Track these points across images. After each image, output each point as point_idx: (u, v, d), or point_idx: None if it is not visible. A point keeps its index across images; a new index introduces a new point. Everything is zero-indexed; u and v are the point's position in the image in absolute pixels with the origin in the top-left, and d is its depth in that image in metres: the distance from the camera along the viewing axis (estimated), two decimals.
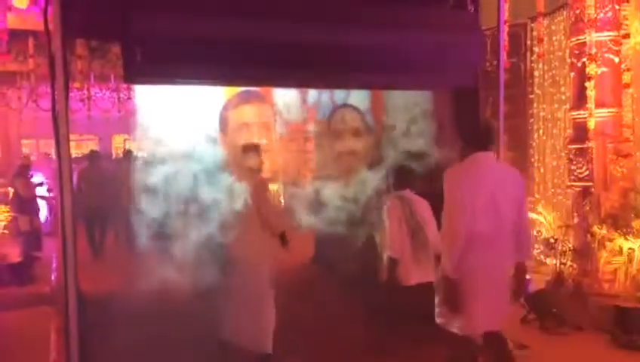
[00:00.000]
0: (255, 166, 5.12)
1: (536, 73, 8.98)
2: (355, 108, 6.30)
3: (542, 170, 8.87)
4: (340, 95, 6.28)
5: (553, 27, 8.38)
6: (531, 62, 9.06)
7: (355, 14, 4.29)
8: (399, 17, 4.39)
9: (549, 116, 8.63)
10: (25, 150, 18.01)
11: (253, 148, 5.34)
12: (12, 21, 7.94)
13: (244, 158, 5.34)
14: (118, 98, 13.55)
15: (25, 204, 8.87)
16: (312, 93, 6.11)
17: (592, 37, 6.16)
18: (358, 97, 6.28)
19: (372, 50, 4.31)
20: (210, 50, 3.80)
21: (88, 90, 12.71)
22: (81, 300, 3.87)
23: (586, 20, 6.17)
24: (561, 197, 8.16)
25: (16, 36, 9.05)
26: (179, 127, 5.58)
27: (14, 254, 8.29)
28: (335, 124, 6.29)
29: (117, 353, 4.57)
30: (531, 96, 9.09)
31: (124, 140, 18.56)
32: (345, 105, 6.31)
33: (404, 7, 4.38)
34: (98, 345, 4.39)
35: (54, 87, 3.71)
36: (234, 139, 5.95)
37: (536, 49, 8.38)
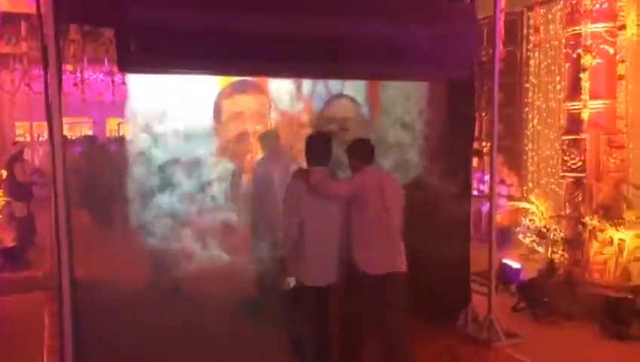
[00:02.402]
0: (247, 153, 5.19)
1: (532, 62, 8.97)
2: (350, 99, 6.31)
3: (535, 158, 8.90)
4: (335, 85, 6.28)
5: (550, 16, 8.37)
6: (527, 50, 9.05)
7: (352, 5, 4.29)
8: (396, 9, 4.38)
9: (544, 105, 8.65)
10: (19, 131, 17.92)
11: (245, 136, 5.45)
12: (4, 5, 7.87)
13: (237, 146, 5.44)
14: (112, 81, 13.47)
15: (20, 190, 8.85)
16: (307, 84, 6.10)
17: (588, 28, 6.16)
18: (354, 88, 6.28)
19: (368, 41, 4.32)
20: (202, 41, 3.80)
21: (82, 73, 12.61)
22: (76, 285, 3.91)
23: (582, 11, 6.16)
24: (554, 187, 8.21)
25: (9, 19, 8.97)
26: (173, 109, 5.61)
27: (8, 239, 8.31)
28: (330, 113, 6.29)
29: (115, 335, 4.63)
30: (527, 85, 9.10)
31: (119, 124, 18.48)
32: (340, 96, 6.31)
33: None
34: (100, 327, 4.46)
35: (47, 73, 3.71)
36: (227, 127, 5.96)
37: (532, 38, 8.38)
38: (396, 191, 4.15)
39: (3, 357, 4.92)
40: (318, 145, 4.09)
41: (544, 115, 8.72)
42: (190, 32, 3.80)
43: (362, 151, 4.16)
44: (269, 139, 5.68)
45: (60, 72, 3.72)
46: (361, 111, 6.28)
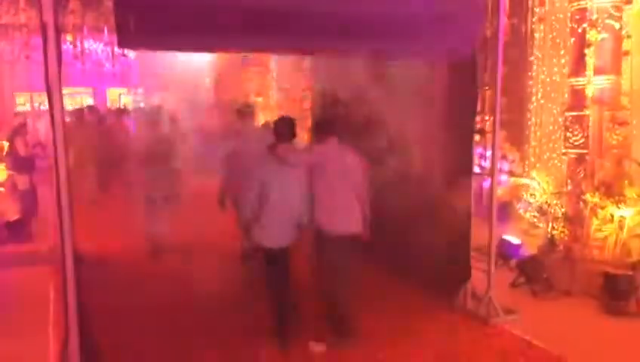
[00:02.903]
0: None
1: (537, 35, 8.84)
2: None
3: (538, 133, 8.85)
4: None
5: None
6: (532, 23, 8.91)
7: None
8: None
9: (548, 80, 8.55)
10: (19, 100, 17.83)
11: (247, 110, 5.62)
12: None
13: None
14: (112, 52, 13.37)
15: (22, 162, 8.86)
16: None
17: (594, 2, 6.05)
18: None
19: (370, 18, 4.27)
20: (201, 19, 3.76)
21: (81, 43, 12.52)
22: (80, 258, 3.96)
23: None
24: (556, 162, 8.18)
25: None
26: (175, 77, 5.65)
27: (12, 211, 8.36)
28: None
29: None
30: (531, 59, 8.98)
31: (119, 94, 18.40)
32: None
33: None
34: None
35: (46, 49, 3.67)
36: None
37: (537, 9, 8.24)
38: (355, 161, 4.61)
39: (8, 331, 4.99)
40: (285, 125, 4.60)
41: (548, 89, 8.62)
42: (190, 9, 3.76)
43: (324, 127, 4.74)
44: (244, 113, 5.86)
45: (59, 48, 3.68)
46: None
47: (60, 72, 3.68)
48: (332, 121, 4.90)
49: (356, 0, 4.16)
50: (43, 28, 3.68)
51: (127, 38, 3.67)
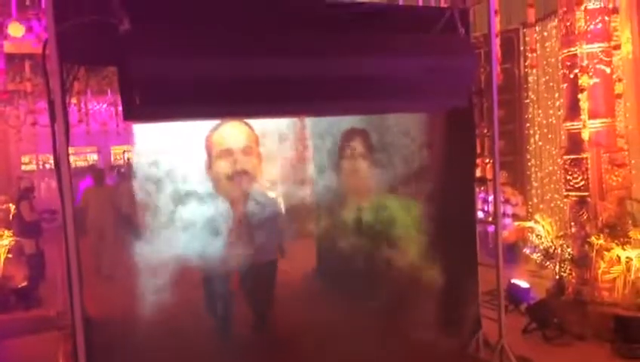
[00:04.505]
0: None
1: (530, 78, 9.04)
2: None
3: (539, 174, 8.94)
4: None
5: (545, 33, 8.45)
6: (525, 67, 9.13)
7: (350, 44, 4.37)
8: (394, 45, 4.47)
9: (545, 122, 8.70)
10: (24, 160, 18.07)
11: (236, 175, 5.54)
12: (8, 47, 8.03)
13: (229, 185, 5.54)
14: (116, 112, 13.62)
15: (28, 227, 8.94)
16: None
17: (584, 49, 6.20)
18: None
19: (367, 77, 4.38)
20: (204, 90, 3.87)
21: (85, 105, 12.79)
22: (89, 323, 3.97)
23: (576, 32, 6.22)
24: (559, 203, 8.23)
25: (13, 59, 9.14)
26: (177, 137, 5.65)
27: (19, 277, 8.37)
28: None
29: None
30: (527, 101, 9.16)
31: (124, 152, 18.65)
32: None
33: (396, 35, 4.47)
34: None
35: (54, 124, 3.79)
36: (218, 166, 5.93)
37: (529, 55, 8.45)
38: None
39: None
40: None
41: (545, 130, 8.77)
42: (192, 82, 3.87)
43: None
44: None
45: (66, 123, 3.79)
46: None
47: (67, 142, 3.79)
48: None
49: (353, 64, 4.28)
50: (50, 103, 3.82)
51: (133, 112, 3.78)
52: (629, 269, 5.90)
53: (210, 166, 5.74)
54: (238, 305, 5.87)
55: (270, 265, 5.93)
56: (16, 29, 7.22)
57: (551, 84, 8.45)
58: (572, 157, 6.45)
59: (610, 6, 6.30)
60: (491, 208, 5.61)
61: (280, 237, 6.17)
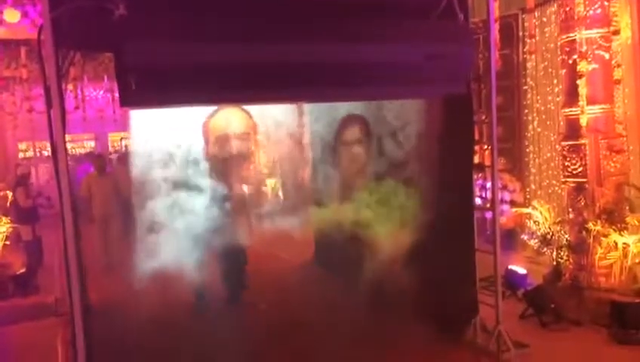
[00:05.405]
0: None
1: (529, 65, 8.99)
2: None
3: (537, 161, 8.92)
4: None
5: (544, 19, 8.38)
6: (524, 53, 9.06)
7: (349, 30, 4.34)
8: (390, 31, 4.44)
9: (543, 108, 8.67)
10: (21, 147, 18.02)
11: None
12: (3, 33, 7.95)
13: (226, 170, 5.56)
14: (113, 98, 13.55)
15: (25, 213, 8.92)
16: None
17: (582, 34, 6.16)
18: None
19: (366, 63, 4.37)
20: (201, 76, 3.85)
21: (82, 92, 12.70)
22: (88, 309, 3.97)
23: (575, 18, 6.17)
24: (557, 189, 8.23)
25: (8, 45, 9.07)
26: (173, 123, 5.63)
27: (17, 264, 8.36)
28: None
29: None
30: (525, 88, 9.12)
31: (121, 138, 18.59)
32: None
33: (394, 21, 4.44)
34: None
35: (50, 110, 3.77)
36: (215, 150, 5.95)
37: (528, 40, 8.40)
38: None
39: None
40: None
41: (543, 117, 8.74)
42: (190, 65, 3.84)
43: None
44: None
45: (62, 101, 3.77)
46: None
47: (64, 128, 3.77)
48: None
49: (352, 50, 4.26)
50: (47, 94, 3.80)
51: (129, 97, 3.75)
52: (625, 255, 5.93)
53: (207, 151, 5.74)
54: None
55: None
56: (11, 15, 7.15)
57: (550, 70, 8.40)
58: (570, 143, 6.44)
59: None
60: (489, 194, 5.58)
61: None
